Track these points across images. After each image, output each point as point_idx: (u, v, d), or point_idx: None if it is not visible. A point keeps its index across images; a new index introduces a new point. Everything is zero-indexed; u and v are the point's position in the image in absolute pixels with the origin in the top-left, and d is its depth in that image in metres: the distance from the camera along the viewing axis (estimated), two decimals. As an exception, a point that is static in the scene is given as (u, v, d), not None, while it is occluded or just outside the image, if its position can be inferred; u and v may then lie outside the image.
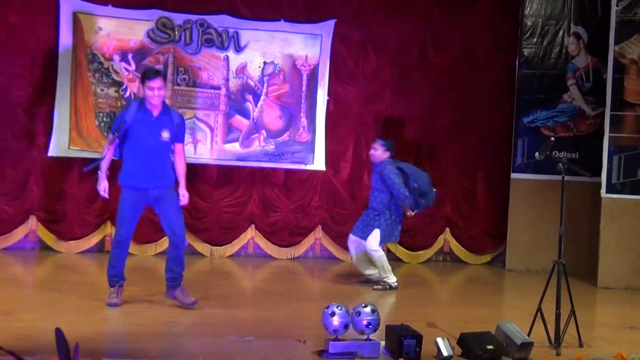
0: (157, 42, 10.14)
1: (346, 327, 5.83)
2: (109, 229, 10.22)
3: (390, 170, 8.80)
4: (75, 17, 9.89)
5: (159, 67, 10.05)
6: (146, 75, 7.19)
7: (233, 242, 10.70)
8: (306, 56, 10.56)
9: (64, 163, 10.06)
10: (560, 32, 10.73)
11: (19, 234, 10.09)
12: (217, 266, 10.17)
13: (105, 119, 10.02)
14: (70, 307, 7.19)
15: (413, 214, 8.99)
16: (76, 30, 9.90)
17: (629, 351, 6.17)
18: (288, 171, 10.78)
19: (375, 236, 8.80)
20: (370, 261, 9.04)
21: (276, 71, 10.52)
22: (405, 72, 10.96)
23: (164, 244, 10.04)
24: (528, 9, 10.76)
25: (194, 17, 10.22)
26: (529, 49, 10.76)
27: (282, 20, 10.49)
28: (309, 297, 8.97)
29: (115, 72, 10.04)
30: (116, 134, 7.07)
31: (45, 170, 10.06)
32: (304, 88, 10.60)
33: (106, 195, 7.32)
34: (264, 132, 10.51)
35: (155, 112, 7.17)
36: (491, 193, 11.18)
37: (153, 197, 7.19)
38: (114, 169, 7.41)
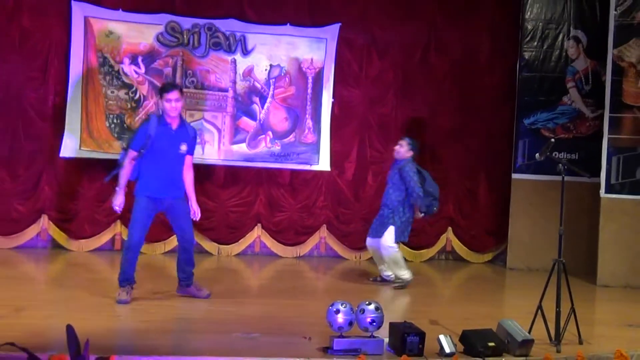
0: (166, 46, 10.27)
1: (350, 324, 5.85)
2: (119, 228, 10.38)
3: (410, 168, 8.89)
4: (86, 21, 10.02)
5: (168, 70, 10.22)
6: (164, 88, 7.45)
7: (240, 241, 10.80)
8: (311, 59, 10.67)
9: (75, 163, 10.18)
10: (560, 36, 10.79)
11: (31, 232, 10.21)
12: (224, 264, 10.24)
13: (115, 121, 10.16)
14: (81, 305, 7.27)
15: (421, 216, 9.08)
16: (87, 34, 10.03)
17: (628, 348, 6.16)
18: (294, 171, 10.87)
19: (390, 232, 8.87)
20: (383, 261, 9.12)
21: (282, 74, 10.62)
22: (408, 75, 11.04)
23: (172, 242, 10.16)
24: (528, 13, 10.82)
25: (202, 21, 10.33)
26: (530, 52, 10.84)
27: (288, 24, 10.58)
28: (313, 294, 9.04)
29: (126, 74, 10.16)
30: (142, 151, 7.27)
31: (57, 171, 10.19)
32: (309, 90, 10.71)
33: (119, 211, 7.50)
34: (270, 133, 10.62)
35: (174, 125, 7.39)
36: (492, 193, 11.25)
37: (166, 206, 7.43)
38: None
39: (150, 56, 10.24)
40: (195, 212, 7.54)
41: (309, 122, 10.72)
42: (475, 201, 11.26)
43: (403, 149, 9.04)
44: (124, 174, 7.39)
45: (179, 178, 7.48)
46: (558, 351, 6.25)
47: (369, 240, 9.19)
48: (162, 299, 7.62)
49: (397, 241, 8.96)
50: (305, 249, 11.01)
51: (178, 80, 10.22)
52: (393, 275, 9.14)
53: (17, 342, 4.99)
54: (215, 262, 10.31)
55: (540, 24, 10.82)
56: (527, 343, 6.09)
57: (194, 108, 10.23)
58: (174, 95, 7.31)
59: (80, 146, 10.08)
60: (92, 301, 7.43)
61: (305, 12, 10.76)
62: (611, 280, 9.86)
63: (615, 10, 9.87)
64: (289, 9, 10.69)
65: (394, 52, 11.01)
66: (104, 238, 10.43)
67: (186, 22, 10.31)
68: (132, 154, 7.35)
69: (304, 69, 10.67)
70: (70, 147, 10.04)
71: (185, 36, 10.31)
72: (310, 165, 10.76)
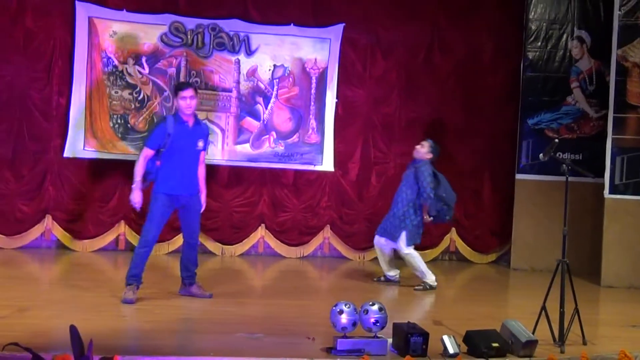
0: (170, 46, 10.29)
1: (354, 324, 5.84)
2: (122, 228, 10.41)
3: (426, 169, 8.89)
4: (90, 21, 10.05)
5: (171, 70, 10.25)
6: (178, 86, 7.62)
7: (243, 241, 10.81)
8: (315, 59, 10.70)
9: (79, 164, 10.22)
10: (564, 36, 10.80)
11: (35, 232, 10.23)
12: (227, 264, 10.24)
13: (119, 121, 10.19)
14: (85, 305, 7.27)
15: (430, 219, 9.03)
16: (91, 34, 10.07)
17: (632, 349, 6.12)
18: (297, 172, 10.88)
19: (403, 239, 8.89)
20: (392, 263, 9.15)
21: (286, 74, 10.65)
22: (412, 75, 11.06)
23: (176, 242, 10.19)
24: (532, 14, 10.83)
25: (206, 22, 10.36)
26: (534, 53, 10.84)
27: (291, 24, 10.61)
28: (317, 295, 9.05)
29: (129, 75, 10.19)
30: (162, 150, 7.39)
31: (61, 171, 10.20)
32: (313, 91, 10.73)
33: (139, 208, 7.54)
34: (274, 133, 10.65)
35: (190, 123, 7.51)
36: (496, 193, 11.26)
37: (181, 203, 7.51)
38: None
39: (154, 56, 10.27)
40: (204, 205, 7.71)
41: (313, 123, 10.74)
42: (479, 201, 11.27)
43: (423, 150, 9.05)
44: (139, 171, 7.44)
45: (195, 174, 7.61)
46: (562, 352, 6.24)
47: (377, 239, 9.20)
48: (166, 299, 7.62)
49: (409, 244, 8.94)
50: (309, 249, 11.02)
51: (182, 80, 10.23)
52: (397, 276, 9.15)
53: (21, 342, 5.00)
54: (219, 263, 10.32)
55: (544, 24, 10.83)
56: (531, 344, 6.08)
57: (197, 108, 9.97)
58: (188, 92, 7.43)
59: (84, 146, 10.11)
60: (96, 301, 7.43)
61: (309, 12, 10.78)
62: (615, 281, 9.86)
63: (619, 10, 9.86)
64: (292, 9, 10.71)
65: (398, 52, 11.03)
66: (108, 238, 10.45)
67: (190, 23, 10.34)
68: (148, 152, 7.43)
69: (307, 69, 10.69)
70: (74, 147, 10.08)
71: (189, 36, 10.34)
72: (314, 165, 10.78)
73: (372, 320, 5.88)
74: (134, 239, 10.39)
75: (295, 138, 10.71)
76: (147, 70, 10.25)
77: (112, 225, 10.44)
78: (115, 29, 10.15)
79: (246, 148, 10.57)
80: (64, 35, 10.14)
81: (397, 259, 9.31)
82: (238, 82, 10.51)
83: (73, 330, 4.95)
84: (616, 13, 9.90)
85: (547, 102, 10.82)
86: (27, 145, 10.10)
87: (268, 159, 10.63)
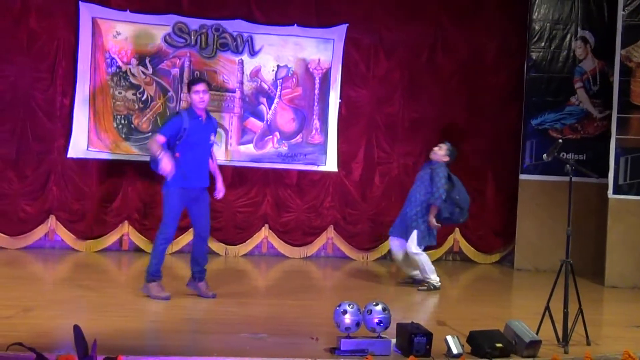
0: (174, 47, 10.31)
1: (358, 324, 5.86)
2: (126, 229, 10.43)
3: (442, 170, 8.90)
4: (94, 22, 10.07)
5: (175, 70, 10.27)
6: (191, 81, 7.74)
7: (247, 242, 10.82)
8: (319, 60, 10.71)
9: (83, 164, 10.23)
10: (568, 36, 10.79)
11: (38, 233, 10.25)
12: (231, 265, 10.25)
13: (123, 121, 10.20)
14: (89, 305, 7.32)
15: (437, 225, 8.97)
16: (95, 35, 10.08)
17: (636, 349, 6.10)
18: (301, 172, 10.89)
19: (413, 239, 8.88)
20: (407, 262, 9.14)
21: (289, 74, 10.66)
22: (415, 75, 11.06)
23: (180, 242, 10.24)
24: (536, 14, 10.82)
25: (209, 22, 10.38)
26: (537, 53, 10.84)
27: (295, 25, 10.61)
28: (321, 295, 9.06)
29: (133, 75, 10.21)
30: (177, 142, 7.48)
31: (65, 171, 10.22)
32: (316, 91, 10.74)
33: (170, 175, 7.44)
34: (277, 134, 10.66)
35: (203, 118, 7.64)
36: (500, 194, 11.26)
37: (194, 196, 7.61)
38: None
39: (157, 57, 10.29)
40: (222, 191, 7.90)
41: (316, 123, 10.75)
42: (482, 202, 11.26)
43: (441, 152, 9.06)
44: (158, 146, 7.38)
45: (207, 168, 7.77)
46: (566, 352, 6.24)
47: (392, 240, 9.19)
48: (169, 299, 7.60)
49: (419, 245, 8.92)
50: (312, 249, 11.03)
51: (185, 80, 10.25)
52: (419, 275, 9.14)
53: (25, 342, 5.02)
54: (223, 263, 10.33)
55: (548, 24, 10.82)
56: (535, 344, 6.09)
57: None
58: (201, 87, 7.56)
59: (88, 147, 10.12)
60: (100, 302, 7.46)
61: (312, 13, 10.79)
62: (619, 281, 9.86)
63: (623, 10, 9.86)
64: (296, 9, 10.72)
65: (401, 52, 11.04)
66: (111, 238, 10.46)
67: (194, 23, 10.35)
68: (161, 138, 7.46)
69: (311, 70, 10.70)
70: (78, 147, 10.09)
71: (192, 37, 10.35)
72: (318, 165, 10.79)
73: (376, 320, 5.89)
74: (137, 239, 10.43)
75: (298, 138, 10.72)
76: (150, 71, 10.26)
77: (115, 226, 10.45)
78: (119, 29, 10.17)
79: (250, 148, 10.58)
80: (67, 35, 10.16)
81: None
82: (241, 83, 10.53)
83: (77, 330, 4.96)
84: (620, 13, 9.89)
85: (551, 102, 10.81)
86: (31, 145, 10.12)
87: (271, 159, 10.64)
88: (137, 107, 10.26)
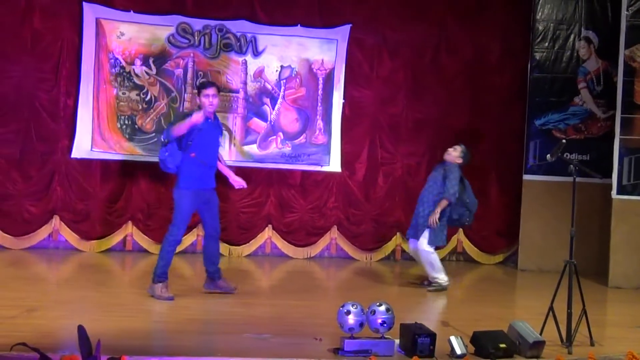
0: (178, 47, 10.32)
1: (361, 325, 5.86)
2: (130, 229, 10.44)
3: (456, 171, 8.91)
4: (98, 22, 10.09)
5: (179, 71, 10.29)
6: (202, 85, 7.78)
7: (251, 242, 10.83)
8: (322, 60, 10.72)
9: (87, 164, 10.25)
10: (572, 37, 10.79)
11: (42, 233, 10.26)
12: (235, 265, 10.22)
13: (126, 122, 10.21)
14: (93, 305, 7.34)
15: (436, 222, 8.91)
16: (99, 35, 10.10)
17: (639, 350, 6.10)
18: (304, 172, 10.89)
19: (425, 236, 8.88)
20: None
21: (293, 75, 10.67)
22: (419, 75, 11.06)
23: (184, 243, 10.09)
24: (540, 14, 10.82)
25: (213, 23, 10.39)
26: (541, 53, 10.83)
27: (298, 25, 10.62)
28: (324, 295, 9.06)
29: (137, 76, 10.22)
30: (190, 143, 7.58)
31: (69, 172, 10.23)
32: (320, 91, 10.74)
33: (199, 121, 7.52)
34: (281, 134, 10.66)
35: (212, 120, 7.75)
36: (503, 194, 11.25)
37: (206, 199, 7.72)
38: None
39: (161, 57, 10.30)
40: (241, 182, 8.07)
41: (320, 123, 10.76)
42: (486, 202, 11.20)
43: (455, 154, 9.07)
44: (181, 127, 7.51)
45: (215, 169, 7.89)
46: (569, 353, 6.24)
47: (411, 242, 9.18)
48: (173, 299, 7.60)
49: (430, 244, 8.92)
50: (315, 250, 11.03)
51: (189, 81, 10.30)
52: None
53: (29, 342, 5.03)
54: (226, 263, 10.27)
55: (552, 24, 10.83)
56: (539, 344, 6.09)
57: (204, 109, 10.22)
58: (211, 91, 7.65)
59: (91, 147, 10.14)
60: (104, 302, 7.49)
61: (315, 13, 10.79)
62: (623, 282, 9.85)
63: (627, 10, 9.85)
64: (299, 10, 10.73)
65: (405, 53, 11.04)
66: (115, 239, 10.47)
67: (197, 24, 10.37)
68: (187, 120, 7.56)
69: (314, 70, 10.71)
70: (81, 148, 10.11)
71: (196, 37, 10.36)
72: (321, 166, 10.79)
73: (380, 320, 5.90)
74: (141, 239, 10.44)
75: (302, 139, 10.73)
76: (154, 71, 10.28)
77: (119, 226, 10.47)
78: (123, 30, 10.19)
79: (253, 149, 10.59)
80: (71, 36, 10.18)
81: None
82: (245, 83, 10.54)
83: (81, 330, 4.97)
84: (624, 13, 9.89)
85: (555, 102, 10.81)
86: (35, 146, 10.14)
87: (275, 159, 10.65)
88: (140, 107, 10.27)
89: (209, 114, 7.68)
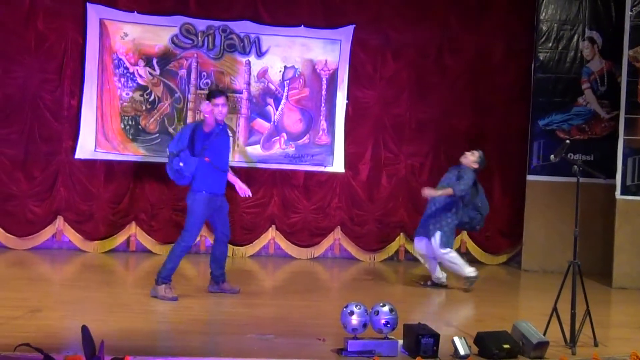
0: (181, 48, 10.33)
1: (365, 325, 5.85)
2: (133, 229, 10.46)
3: (470, 174, 8.89)
4: (101, 23, 10.10)
5: (182, 71, 10.31)
6: (212, 94, 7.82)
7: (254, 243, 10.84)
8: (326, 61, 10.72)
9: (91, 165, 10.27)
10: (575, 37, 10.79)
11: (46, 234, 10.29)
12: (238, 266, 10.21)
13: (130, 122, 10.23)
14: (96, 306, 7.34)
15: (432, 195, 8.88)
16: (103, 36, 10.12)
17: (643, 351, 6.16)
18: (308, 173, 10.89)
19: (437, 239, 8.85)
20: (437, 265, 9.10)
21: (296, 75, 10.67)
22: (422, 76, 11.06)
23: (187, 243, 10.26)
24: (543, 14, 10.82)
25: (216, 23, 10.40)
26: (545, 54, 10.83)
27: (302, 25, 10.63)
28: (328, 296, 9.05)
29: (140, 76, 10.24)
30: (205, 147, 7.68)
31: (73, 172, 10.25)
32: (323, 92, 10.74)
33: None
34: (284, 134, 10.67)
35: (222, 127, 7.82)
36: (507, 195, 11.24)
37: (217, 206, 7.81)
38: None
39: (165, 58, 10.32)
40: (246, 190, 8.13)
41: (323, 124, 10.76)
42: (490, 202, 11.16)
43: (472, 158, 9.05)
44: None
45: (227, 174, 7.96)
46: (573, 353, 6.24)
47: (417, 240, 9.14)
48: (176, 300, 7.60)
49: (443, 247, 8.90)
50: (319, 250, 11.03)
51: (193, 81, 10.31)
52: (444, 279, 9.13)
53: (33, 342, 5.05)
54: (230, 264, 10.17)
55: (555, 24, 10.83)
56: (542, 345, 6.08)
57: (208, 110, 10.22)
58: (221, 100, 7.73)
59: (95, 148, 10.15)
60: (108, 302, 7.49)
61: (319, 13, 10.80)
62: (627, 282, 9.83)
63: (631, 11, 9.85)
64: (303, 10, 10.74)
65: (408, 53, 11.04)
66: (119, 239, 10.49)
67: (201, 24, 10.38)
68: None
69: (318, 71, 10.71)
70: (85, 148, 10.13)
71: (199, 38, 10.37)
72: (325, 166, 10.80)
73: (383, 321, 5.89)
74: (144, 240, 10.45)
75: (305, 139, 10.73)
76: (158, 72, 10.29)
77: (123, 227, 10.48)
78: (127, 30, 10.20)
79: (257, 149, 10.60)
80: (75, 36, 10.20)
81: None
82: (249, 84, 10.54)
83: (84, 330, 4.98)
84: (627, 14, 9.89)
85: (558, 103, 10.81)
86: (39, 146, 10.16)
87: (278, 160, 10.66)
88: (144, 108, 10.28)
89: (219, 121, 7.73)
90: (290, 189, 10.90)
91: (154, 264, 9.74)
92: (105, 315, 6.83)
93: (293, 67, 10.67)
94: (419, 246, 9.15)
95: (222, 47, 10.44)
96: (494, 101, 11.18)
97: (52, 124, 10.19)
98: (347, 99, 10.82)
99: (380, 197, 11.06)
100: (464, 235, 11.20)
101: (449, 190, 8.78)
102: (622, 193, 9.87)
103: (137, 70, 10.22)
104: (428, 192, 8.87)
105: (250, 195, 8.31)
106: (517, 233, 11.13)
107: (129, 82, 10.23)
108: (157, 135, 10.29)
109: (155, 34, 10.29)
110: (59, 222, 10.30)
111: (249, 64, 10.53)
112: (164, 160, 9.93)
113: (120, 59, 10.17)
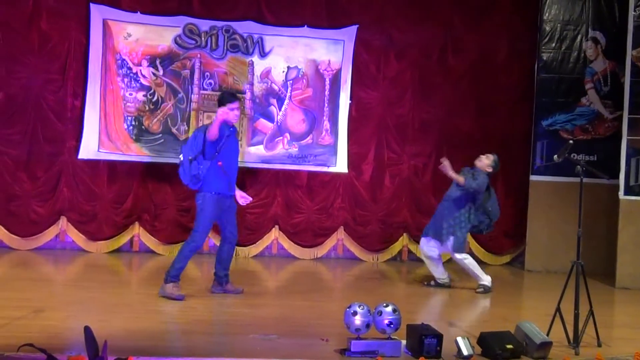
0: (184, 48, 10.34)
1: (368, 326, 5.85)
2: (137, 230, 10.46)
3: (484, 176, 8.89)
4: (105, 23, 10.12)
5: (186, 72, 10.32)
6: (227, 98, 7.83)
7: (257, 243, 10.84)
8: (329, 61, 10.72)
9: (94, 165, 10.28)
10: (579, 37, 10.79)
11: (50, 234, 10.29)
12: (241, 266, 10.21)
13: (133, 123, 10.24)
14: (99, 306, 7.33)
15: (444, 163, 8.85)
16: (106, 36, 10.13)
17: (647, 351, 6.14)
18: (311, 173, 10.89)
19: (450, 246, 8.87)
20: (441, 266, 9.12)
21: (300, 76, 10.68)
22: (425, 76, 11.06)
23: (191, 244, 10.26)
24: (547, 15, 10.82)
25: (219, 24, 10.41)
26: (548, 54, 10.82)
27: (305, 26, 10.64)
28: (331, 296, 9.04)
29: (144, 77, 10.24)
30: (218, 150, 7.72)
31: (76, 173, 10.27)
32: (326, 92, 10.75)
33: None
34: (287, 135, 10.67)
35: (232, 129, 7.87)
36: (510, 195, 11.23)
37: (227, 206, 7.84)
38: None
39: (168, 58, 10.32)
40: (247, 199, 8.20)
41: (327, 124, 10.76)
42: (493, 203, 11.24)
43: (487, 161, 9.04)
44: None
45: (235, 176, 7.98)
46: (577, 354, 6.24)
47: (426, 241, 9.12)
48: (179, 300, 7.60)
49: (458, 251, 8.93)
50: (322, 250, 11.03)
51: (196, 82, 10.32)
52: (447, 279, 9.13)
53: (36, 343, 5.05)
54: (233, 264, 10.11)
55: (559, 25, 10.82)
56: (546, 345, 6.08)
57: (211, 110, 10.18)
58: (236, 104, 7.82)
59: (98, 148, 10.16)
60: (111, 302, 7.49)
61: (322, 14, 10.80)
62: (630, 283, 9.82)
63: (634, 11, 9.84)
64: (306, 11, 10.74)
65: (411, 54, 11.03)
66: (122, 240, 10.49)
67: (204, 25, 10.39)
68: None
69: (321, 71, 10.71)
70: (88, 149, 10.14)
71: (203, 38, 10.38)
72: (328, 167, 10.80)
73: (386, 321, 5.89)
74: (148, 240, 10.46)
75: (309, 139, 10.73)
76: (161, 72, 10.30)
77: (126, 227, 10.48)
78: (130, 31, 10.22)
79: (260, 149, 10.60)
80: (78, 37, 10.21)
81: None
82: (252, 84, 10.55)
83: (87, 331, 4.98)
84: (631, 14, 9.89)
85: (562, 103, 10.81)
86: (42, 147, 10.17)
87: (282, 160, 10.66)
88: (147, 108, 10.29)
89: (230, 124, 7.81)
90: (293, 189, 10.90)
91: (157, 264, 9.76)
92: (108, 316, 6.82)
93: (296, 67, 10.67)
94: (427, 247, 9.12)
95: (225, 48, 10.44)
96: (497, 101, 11.17)
97: (56, 124, 10.20)
98: (350, 99, 10.83)
99: (384, 198, 11.05)
100: (468, 235, 11.15)
101: (461, 179, 8.77)
102: (626, 193, 9.87)
103: (141, 70, 10.23)
104: (446, 163, 8.80)
105: (251, 200, 8.36)
106: (521, 233, 11.13)
107: (132, 82, 10.24)
108: (161, 135, 10.30)
109: (159, 34, 10.30)
110: (62, 222, 10.31)
111: (252, 64, 10.54)
112: (168, 160, 10.06)
113: (124, 60, 10.18)
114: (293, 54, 10.66)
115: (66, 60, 10.18)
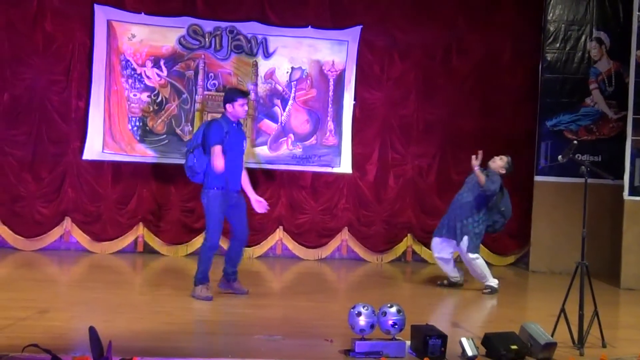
0: (188, 49, 10.35)
1: (372, 326, 5.84)
2: (141, 230, 10.45)
3: (498, 177, 8.89)
4: (109, 24, 10.13)
5: (190, 72, 10.33)
6: (237, 95, 7.88)
7: (262, 243, 10.83)
8: (333, 61, 10.72)
9: (98, 166, 10.29)
10: (583, 37, 10.78)
11: (54, 234, 10.30)
12: (245, 267, 10.08)
13: (137, 123, 10.25)
14: (104, 307, 7.33)
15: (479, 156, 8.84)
16: (110, 37, 10.15)
17: (652, 352, 6.12)
18: (315, 174, 10.89)
19: (465, 244, 8.86)
20: (454, 265, 9.14)
21: (304, 76, 10.67)
22: (429, 77, 11.05)
23: (195, 244, 10.26)
24: (551, 15, 10.81)
25: (223, 24, 10.42)
26: (552, 54, 10.82)
27: (309, 26, 10.64)
28: (335, 297, 9.03)
29: (148, 77, 10.25)
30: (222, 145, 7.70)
31: (80, 173, 10.27)
32: (330, 93, 10.74)
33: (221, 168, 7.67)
34: (291, 135, 10.67)
35: (236, 125, 7.88)
36: (514, 195, 11.06)
37: (234, 202, 7.81)
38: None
39: (172, 59, 10.33)
40: (263, 205, 8.17)
41: (331, 125, 10.76)
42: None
43: (501, 163, 9.06)
44: (221, 163, 7.63)
45: (241, 171, 7.99)
46: (581, 354, 6.23)
47: (437, 241, 9.12)
48: (184, 300, 7.64)
49: (471, 251, 8.91)
50: (326, 251, 11.02)
51: (200, 82, 10.32)
52: (460, 278, 9.14)
53: (41, 343, 5.06)
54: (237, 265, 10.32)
55: (563, 25, 10.82)
56: (550, 346, 6.07)
57: (215, 110, 10.21)
58: (245, 100, 7.89)
59: (103, 149, 10.17)
60: (115, 303, 7.49)
61: (326, 14, 10.80)
62: (635, 283, 9.80)
63: (639, 11, 9.83)
64: (310, 11, 10.74)
65: (415, 54, 11.03)
66: (126, 240, 10.49)
67: (208, 25, 10.39)
68: (219, 148, 7.65)
69: (325, 71, 10.72)
70: (93, 149, 10.15)
71: (207, 39, 10.39)
72: (332, 167, 10.80)
73: (391, 322, 5.88)
74: (152, 241, 10.46)
75: (313, 140, 10.74)
76: (165, 73, 10.31)
77: (130, 228, 10.48)
78: (134, 32, 10.23)
79: (264, 150, 10.60)
80: (83, 38, 10.22)
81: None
82: (256, 85, 10.55)
83: (92, 331, 4.99)
84: (635, 14, 9.87)
85: (566, 103, 10.80)
86: (47, 147, 10.19)
87: (286, 161, 10.67)
88: (151, 109, 10.30)
89: (234, 119, 7.83)
90: (297, 189, 10.90)
91: (161, 265, 9.78)
92: (113, 316, 6.82)
93: (300, 68, 10.67)
94: (439, 247, 9.11)
95: (229, 48, 10.45)
96: (501, 102, 11.16)
97: (60, 125, 10.21)
98: (355, 99, 10.82)
99: (388, 198, 11.05)
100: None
101: (482, 178, 8.76)
102: (630, 194, 9.84)
103: (145, 71, 10.24)
104: (476, 162, 8.79)
105: (267, 205, 8.26)
106: (525, 234, 11.12)
107: (137, 83, 10.25)
108: (165, 136, 10.31)
109: (163, 35, 10.31)
110: (67, 223, 10.32)
111: (256, 64, 10.54)
112: (172, 161, 10.10)
113: (128, 60, 10.19)
114: (297, 54, 10.66)
115: (70, 61, 10.19)
